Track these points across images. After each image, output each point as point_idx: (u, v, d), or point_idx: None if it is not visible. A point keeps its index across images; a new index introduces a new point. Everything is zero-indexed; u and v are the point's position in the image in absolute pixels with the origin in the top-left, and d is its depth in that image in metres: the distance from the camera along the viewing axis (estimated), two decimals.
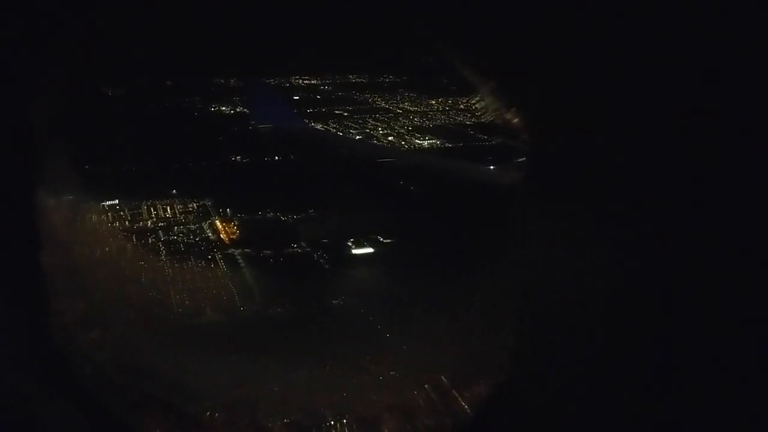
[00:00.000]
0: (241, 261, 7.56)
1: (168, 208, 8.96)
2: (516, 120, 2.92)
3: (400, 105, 17.31)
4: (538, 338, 2.76)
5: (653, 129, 2.26)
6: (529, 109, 2.76)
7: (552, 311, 2.67)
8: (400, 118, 15.91)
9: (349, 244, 7.80)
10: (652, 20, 2.12)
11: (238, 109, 14.71)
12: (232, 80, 16.88)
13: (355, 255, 7.61)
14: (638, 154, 2.30)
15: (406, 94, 18.72)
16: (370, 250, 7.66)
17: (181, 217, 8.77)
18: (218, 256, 7.67)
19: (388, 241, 7.72)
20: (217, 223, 8.59)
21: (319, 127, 13.92)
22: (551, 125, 2.64)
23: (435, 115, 16.51)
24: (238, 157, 11.28)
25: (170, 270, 7.00)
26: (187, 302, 6.42)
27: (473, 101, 15.61)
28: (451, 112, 16.74)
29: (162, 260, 7.25)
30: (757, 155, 2.08)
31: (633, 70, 2.21)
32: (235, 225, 8.57)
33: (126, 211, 8.68)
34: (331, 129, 14.30)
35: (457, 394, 3.63)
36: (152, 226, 8.47)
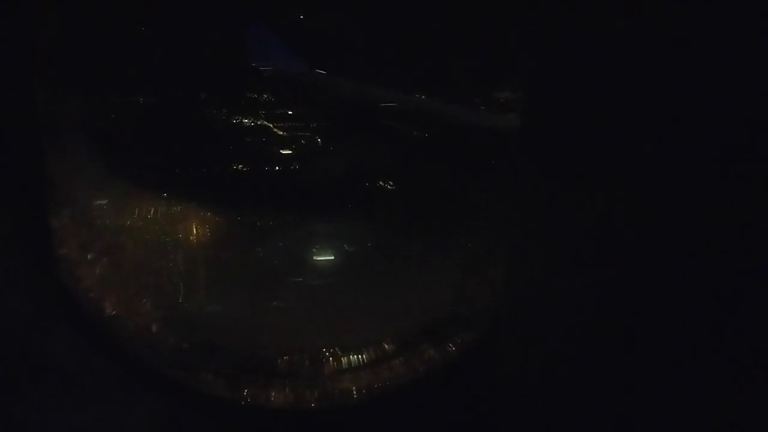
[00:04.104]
0: (200, 262, 7.64)
1: (152, 209, 9.16)
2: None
3: None
4: (528, 292, 2.71)
5: (657, 129, 2.23)
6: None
7: (543, 270, 2.63)
8: None
9: (314, 250, 7.79)
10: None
11: (258, 122, 15.05)
12: (264, 95, 17.36)
13: (316, 262, 7.58)
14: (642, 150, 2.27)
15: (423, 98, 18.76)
16: (331, 257, 7.62)
17: (161, 218, 8.95)
18: (180, 256, 7.78)
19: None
20: (192, 225, 8.72)
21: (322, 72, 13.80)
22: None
23: None
24: (240, 166, 11.49)
25: (128, 266, 7.16)
26: (134, 298, 6.55)
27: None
28: None
29: (125, 257, 7.42)
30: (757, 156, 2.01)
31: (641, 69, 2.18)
32: (207, 228, 8.69)
33: (111, 210, 8.93)
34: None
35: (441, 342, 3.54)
36: (130, 224, 8.66)
